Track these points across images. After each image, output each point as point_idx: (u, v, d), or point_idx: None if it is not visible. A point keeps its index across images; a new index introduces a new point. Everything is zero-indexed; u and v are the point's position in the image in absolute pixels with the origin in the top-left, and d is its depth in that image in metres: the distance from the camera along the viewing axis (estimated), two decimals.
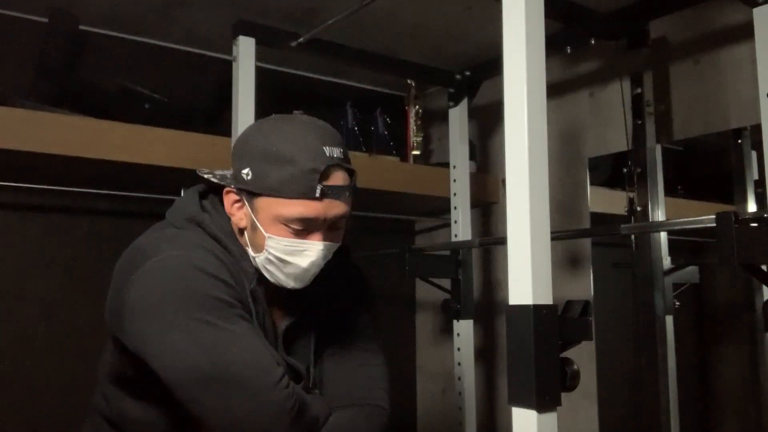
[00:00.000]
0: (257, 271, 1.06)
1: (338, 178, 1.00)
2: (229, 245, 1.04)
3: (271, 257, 1.02)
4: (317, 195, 0.97)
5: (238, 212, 1.05)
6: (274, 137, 1.00)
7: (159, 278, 0.95)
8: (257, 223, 1.02)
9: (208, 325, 0.93)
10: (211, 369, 0.92)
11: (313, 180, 0.97)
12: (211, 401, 0.93)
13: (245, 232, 1.05)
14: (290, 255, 1.01)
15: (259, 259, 1.04)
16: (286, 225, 0.99)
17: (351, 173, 1.03)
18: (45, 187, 1.66)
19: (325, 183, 0.98)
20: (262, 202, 1.00)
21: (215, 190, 1.10)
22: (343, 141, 1.04)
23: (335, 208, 1.00)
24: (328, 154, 0.98)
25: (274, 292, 1.09)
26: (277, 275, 1.04)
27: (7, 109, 1.42)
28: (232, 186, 1.04)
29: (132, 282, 0.96)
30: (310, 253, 1.01)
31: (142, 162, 1.54)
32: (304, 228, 1.00)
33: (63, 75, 1.70)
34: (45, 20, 1.70)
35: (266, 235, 1.01)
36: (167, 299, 0.94)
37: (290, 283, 1.04)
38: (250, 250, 1.05)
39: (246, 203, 1.03)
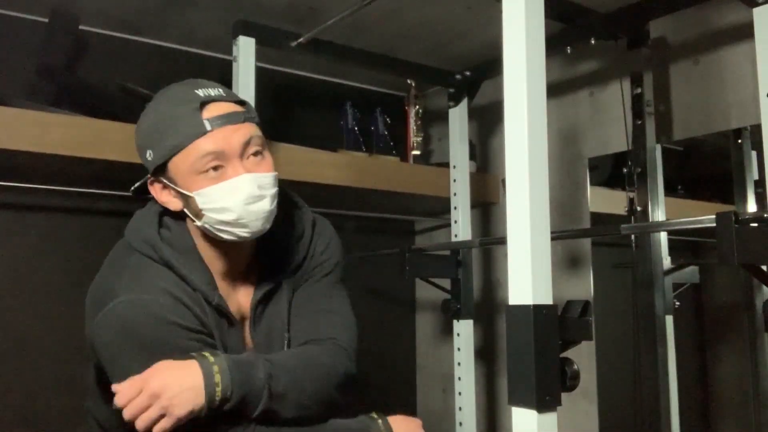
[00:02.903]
0: (213, 284, 1.06)
1: (221, 108, 1.01)
2: (182, 270, 1.04)
3: (210, 213, 1.01)
4: (208, 128, 0.98)
5: (167, 197, 1.06)
6: (151, 110, 1.04)
7: (116, 326, 0.99)
8: (181, 190, 1.02)
9: None
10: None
11: (196, 117, 0.99)
12: None
13: (187, 213, 1.05)
14: (224, 199, 1.00)
15: (207, 224, 1.03)
16: (201, 172, 0.99)
17: (240, 103, 1.04)
18: (45, 187, 1.66)
19: (208, 116, 0.99)
20: (172, 166, 1.01)
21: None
22: (230, 90, 1.06)
23: (234, 133, 1.00)
24: (202, 95, 1.01)
25: (240, 291, 1.11)
26: (229, 229, 1.02)
27: (7, 109, 1.42)
28: (149, 177, 1.06)
29: (96, 325, 1.00)
30: (240, 187, 1.00)
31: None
32: (219, 165, 1.00)
33: (63, 75, 1.70)
34: (45, 20, 1.70)
35: (192, 193, 1.00)
36: (123, 349, 0.98)
37: (252, 228, 1.03)
38: (197, 222, 1.04)
39: (166, 182, 1.04)
